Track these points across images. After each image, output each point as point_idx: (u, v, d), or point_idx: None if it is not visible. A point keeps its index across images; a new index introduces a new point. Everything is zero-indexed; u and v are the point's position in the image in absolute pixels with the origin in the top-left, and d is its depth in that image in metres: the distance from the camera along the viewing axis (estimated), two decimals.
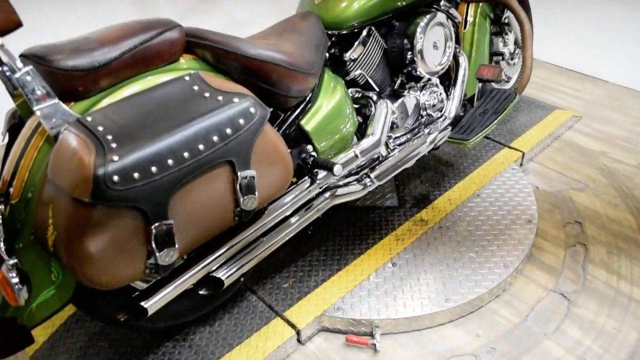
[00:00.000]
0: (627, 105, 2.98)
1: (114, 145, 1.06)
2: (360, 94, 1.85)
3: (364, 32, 1.79)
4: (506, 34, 2.39)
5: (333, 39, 1.79)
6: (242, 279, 1.66)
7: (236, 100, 1.22)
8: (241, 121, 1.21)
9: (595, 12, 3.39)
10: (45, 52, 1.16)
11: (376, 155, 1.84)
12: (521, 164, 2.45)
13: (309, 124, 1.63)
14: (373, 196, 2.21)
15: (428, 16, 1.84)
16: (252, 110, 1.23)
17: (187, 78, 1.27)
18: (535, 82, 3.21)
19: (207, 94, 1.24)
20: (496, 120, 1.97)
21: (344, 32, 1.76)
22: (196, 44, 1.40)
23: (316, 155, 1.63)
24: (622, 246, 2.05)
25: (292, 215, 1.64)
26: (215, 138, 1.17)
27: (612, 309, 1.80)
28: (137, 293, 1.36)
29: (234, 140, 1.20)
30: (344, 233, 2.03)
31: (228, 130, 1.19)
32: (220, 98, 1.23)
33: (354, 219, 2.11)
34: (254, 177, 1.26)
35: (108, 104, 1.20)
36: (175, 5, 3.79)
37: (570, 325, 1.75)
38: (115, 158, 1.04)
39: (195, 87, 1.26)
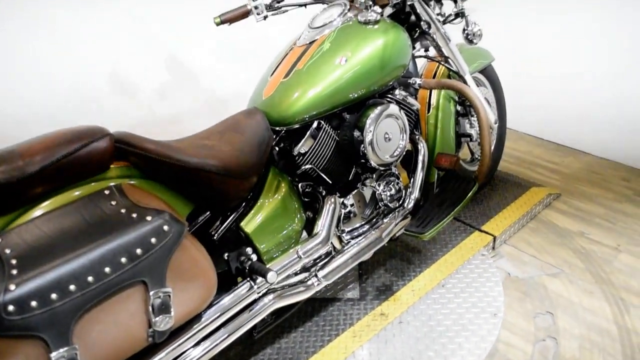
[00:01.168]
0: (607, 178, 2.92)
1: (14, 271, 1.05)
2: (310, 188, 1.81)
3: (314, 125, 1.76)
4: (472, 115, 2.36)
5: (282, 133, 1.76)
6: None
7: (149, 218, 1.19)
8: (153, 240, 1.17)
9: (575, 81, 3.38)
10: None
11: (327, 251, 1.78)
12: (493, 248, 2.38)
13: (249, 225, 1.58)
14: (335, 286, 2.13)
15: (379, 108, 1.81)
16: (165, 228, 1.19)
17: (106, 192, 1.24)
18: (514, 156, 3.17)
19: (123, 210, 1.21)
20: (453, 212, 1.92)
21: (294, 126, 1.73)
22: (127, 151, 1.37)
23: (255, 259, 1.58)
24: (596, 339, 1.94)
25: (232, 318, 1.57)
26: (123, 259, 1.13)
27: None
28: None
29: (145, 260, 1.16)
30: (299, 328, 1.95)
31: (138, 251, 1.15)
32: (134, 215, 1.19)
33: (312, 311, 2.03)
34: (169, 296, 1.21)
35: (24, 222, 1.18)
36: None
37: None
38: (12, 287, 1.02)
39: (113, 203, 1.23)
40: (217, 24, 1.99)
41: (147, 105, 3.15)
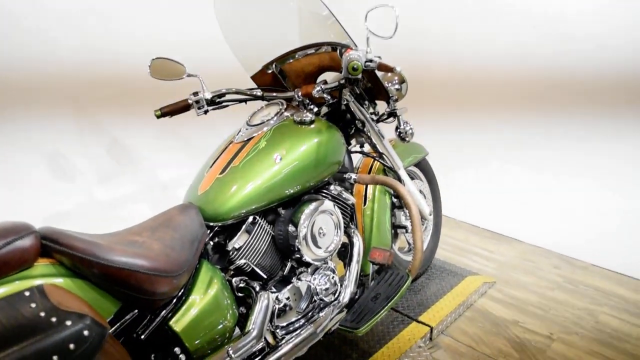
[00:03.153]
0: (540, 266, 3.03)
1: None
2: (244, 284, 1.80)
3: (249, 220, 1.79)
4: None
5: (216, 228, 1.77)
6: None
7: (69, 323, 1.16)
8: (71, 346, 1.13)
9: (506, 173, 3.56)
10: None
11: (260, 347, 1.75)
12: (430, 339, 2.39)
13: (178, 324, 1.55)
14: None
15: (314, 204, 1.86)
16: (85, 333, 1.16)
17: (27, 294, 1.21)
18: (451, 244, 3.26)
19: (42, 314, 1.17)
20: (387, 306, 1.94)
21: (229, 222, 1.75)
22: (52, 249, 1.35)
23: (184, 359, 1.54)
24: None
25: None
26: None
27: None
28: None
29: None
30: None
31: (55, 358, 1.11)
32: (53, 319, 1.16)
33: None
34: None
35: None
36: None
37: None
38: None
39: (33, 305, 1.19)
40: (158, 117, 2.03)
41: (87, 189, 3.12)
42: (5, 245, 1.25)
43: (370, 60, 1.91)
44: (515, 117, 3.45)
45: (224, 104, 2.10)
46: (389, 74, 2.27)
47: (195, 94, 2.03)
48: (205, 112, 2.07)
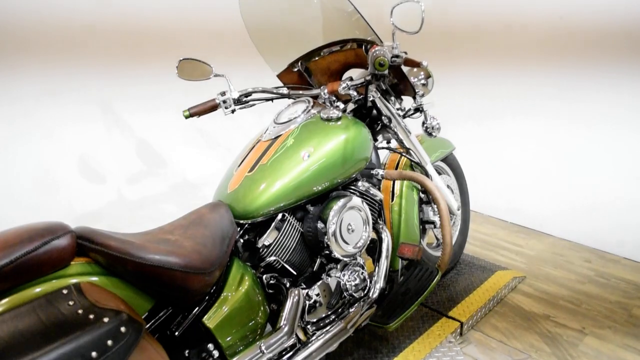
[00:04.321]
0: (570, 260, 2.99)
1: None
2: (275, 280, 1.82)
3: (278, 217, 1.80)
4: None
5: (246, 226, 1.79)
6: None
7: (106, 319, 1.18)
8: (109, 342, 1.16)
9: (535, 166, 3.51)
10: None
11: (292, 343, 1.77)
12: (461, 334, 2.38)
13: (211, 320, 1.57)
14: None
15: (342, 200, 1.87)
16: (122, 329, 1.18)
17: (64, 292, 1.24)
18: (479, 239, 3.23)
19: (80, 311, 1.20)
20: (417, 301, 1.94)
21: (258, 219, 1.77)
22: (88, 248, 1.38)
23: (217, 355, 1.56)
24: None
25: None
26: None
27: None
28: None
29: None
30: None
31: (94, 354, 1.14)
32: (91, 316, 1.19)
33: None
34: None
35: None
36: None
37: None
38: None
39: (71, 303, 1.22)
40: (186, 117, 2.06)
41: (117, 190, 3.17)
42: (42, 245, 1.28)
43: (397, 56, 1.90)
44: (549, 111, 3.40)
45: (251, 102, 2.12)
46: (415, 69, 2.26)
47: (223, 93, 2.05)
48: (233, 111, 2.09)
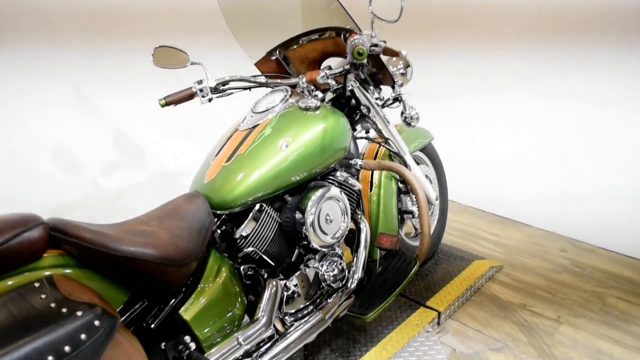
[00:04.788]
0: (547, 249, 3.03)
1: None
2: (252, 271, 1.80)
3: (256, 208, 1.78)
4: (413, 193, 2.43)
5: (224, 216, 1.77)
6: None
7: (79, 313, 1.15)
8: (83, 336, 1.13)
9: (513, 157, 3.54)
10: None
11: (270, 335, 1.76)
12: (438, 323, 2.40)
13: (188, 312, 1.55)
14: None
15: (320, 191, 1.85)
16: (96, 323, 1.16)
17: (36, 285, 1.21)
18: (458, 229, 3.25)
19: (52, 305, 1.17)
20: (395, 292, 1.94)
21: (235, 210, 1.74)
22: (61, 240, 1.35)
23: (193, 347, 1.55)
24: None
25: None
26: (50, 358, 1.09)
27: None
28: None
29: (74, 357, 1.12)
30: None
31: (66, 348, 1.11)
32: (64, 310, 1.16)
33: None
34: None
35: None
36: None
37: None
38: None
39: (43, 296, 1.19)
40: (162, 106, 2.02)
41: (93, 179, 3.12)
42: (14, 237, 1.25)
43: (376, 45, 1.89)
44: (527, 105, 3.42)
45: (228, 91, 2.09)
46: (394, 59, 2.25)
47: (200, 82, 2.01)
48: (210, 100, 2.06)
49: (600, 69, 3.05)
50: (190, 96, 2.04)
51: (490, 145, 3.62)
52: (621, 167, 3.11)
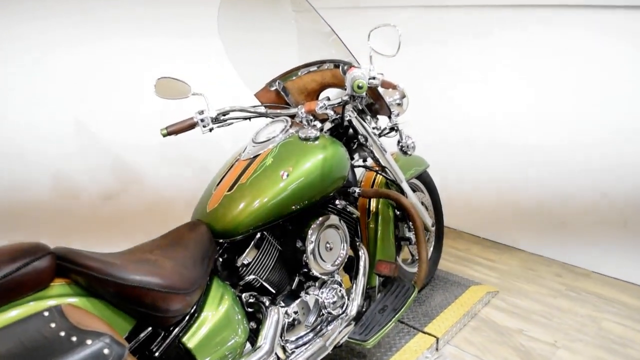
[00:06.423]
0: (541, 274, 3.06)
1: None
2: (254, 299, 1.83)
3: (257, 236, 1.82)
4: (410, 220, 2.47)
5: (225, 245, 1.80)
6: None
7: (89, 342, 1.18)
8: None
9: (506, 183, 3.57)
10: None
11: None
12: (437, 349, 2.41)
13: (191, 340, 1.57)
14: None
15: (320, 219, 1.89)
16: (106, 351, 1.18)
17: (46, 314, 1.23)
18: (453, 254, 3.28)
19: (62, 333, 1.19)
20: (394, 318, 1.97)
21: (237, 238, 1.78)
22: (68, 269, 1.37)
23: None
24: None
25: None
26: None
27: None
28: None
29: None
30: None
31: None
32: (74, 339, 1.18)
33: None
34: None
35: None
36: None
37: None
38: None
39: (52, 325, 1.21)
40: (164, 135, 2.06)
41: (90, 205, 3.13)
42: (22, 266, 1.27)
43: (374, 78, 1.95)
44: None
45: (229, 121, 2.13)
46: (390, 90, 2.31)
47: (201, 112, 2.06)
48: (210, 129, 2.10)
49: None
50: (192, 126, 2.08)
51: (483, 172, 3.66)
52: (613, 193, 3.15)
